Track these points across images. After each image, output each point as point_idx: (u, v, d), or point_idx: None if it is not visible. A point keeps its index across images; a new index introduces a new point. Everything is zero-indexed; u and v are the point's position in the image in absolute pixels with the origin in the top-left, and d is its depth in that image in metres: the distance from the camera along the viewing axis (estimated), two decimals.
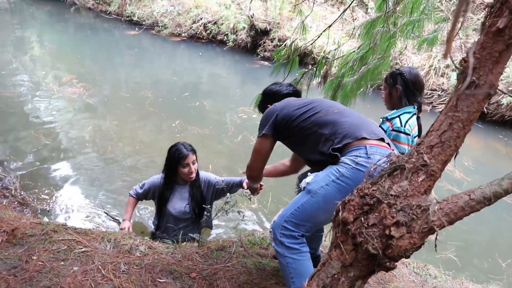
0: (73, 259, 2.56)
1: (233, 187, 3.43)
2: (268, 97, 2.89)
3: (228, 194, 3.27)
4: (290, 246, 2.16)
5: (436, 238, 0.78)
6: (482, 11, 9.91)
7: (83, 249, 2.68)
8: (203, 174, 3.52)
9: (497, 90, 0.79)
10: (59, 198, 4.47)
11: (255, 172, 2.71)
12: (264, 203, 4.88)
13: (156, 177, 3.50)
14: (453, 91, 0.84)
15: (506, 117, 8.10)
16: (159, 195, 3.43)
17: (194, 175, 3.32)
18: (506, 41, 0.76)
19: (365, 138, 2.14)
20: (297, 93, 2.91)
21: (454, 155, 0.83)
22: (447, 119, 0.81)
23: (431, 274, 3.47)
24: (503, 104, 8.05)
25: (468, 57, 0.74)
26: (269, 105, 2.71)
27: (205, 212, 3.25)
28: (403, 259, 3.52)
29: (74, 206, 4.38)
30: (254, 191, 3.05)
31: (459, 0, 0.63)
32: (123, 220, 3.45)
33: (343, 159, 2.11)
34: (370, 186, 0.81)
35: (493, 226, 5.10)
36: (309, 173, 2.27)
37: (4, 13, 14.79)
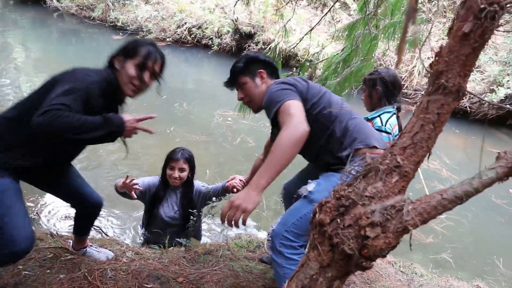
0: (60, 267, 2.55)
1: (219, 193, 3.36)
2: (250, 61, 2.46)
3: (214, 198, 3.22)
4: (289, 257, 2.06)
5: (410, 238, 0.80)
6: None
7: (69, 257, 2.67)
8: (196, 184, 3.46)
9: (466, 92, 0.82)
10: (45, 205, 4.43)
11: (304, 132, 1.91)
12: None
13: (153, 178, 3.45)
14: (423, 94, 0.87)
15: (488, 115, 8.23)
16: (153, 194, 3.37)
17: (177, 182, 3.26)
18: (471, 44, 0.80)
19: (375, 147, 2.07)
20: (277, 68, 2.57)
21: (427, 155, 0.85)
22: (418, 121, 0.84)
23: (417, 273, 3.51)
24: (485, 102, 8.18)
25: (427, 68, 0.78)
26: (261, 70, 2.42)
27: (192, 217, 3.21)
28: (390, 259, 3.56)
29: (60, 214, 4.34)
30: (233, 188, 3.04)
31: (407, 14, 0.66)
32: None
33: (348, 167, 2.03)
34: (346, 187, 0.84)
35: (493, 230, 5.18)
36: (309, 180, 2.18)
37: None
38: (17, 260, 2.06)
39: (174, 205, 3.37)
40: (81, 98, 1.86)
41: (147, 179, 3.44)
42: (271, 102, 2.12)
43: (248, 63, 2.45)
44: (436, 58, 0.85)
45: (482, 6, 0.77)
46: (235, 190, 3.19)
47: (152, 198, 3.38)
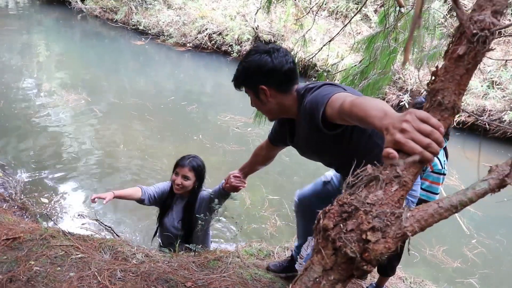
0: (70, 265, 2.59)
1: (218, 195, 3.09)
2: (259, 75, 1.95)
3: (216, 200, 3.06)
4: None
5: (408, 243, 0.86)
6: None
7: (80, 255, 2.71)
8: (203, 193, 3.27)
9: (460, 109, 0.93)
10: (59, 203, 4.51)
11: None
12: (267, 215, 4.90)
13: (166, 183, 3.34)
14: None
15: (508, 133, 8.13)
16: (163, 201, 3.29)
17: (180, 188, 3.10)
18: (465, 66, 0.91)
19: None
20: (295, 68, 1.98)
21: (425, 167, 0.90)
22: None
23: None
24: (505, 121, 8.09)
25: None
26: (263, 86, 1.95)
27: (200, 222, 3.08)
28: (401, 274, 3.54)
29: (73, 212, 4.41)
30: (235, 188, 2.84)
31: (413, 19, 0.74)
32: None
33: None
34: (349, 196, 0.90)
35: None
36: None
37: (12, 18, 14.93)
38: None
39: (178, 213, 3.27)
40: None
41: (163, 184, 3.35)
42: (316, 103, 1.70)
43: (248, 76, 2.01)
44: (433, 77, 0.95)
45: (475, 31, 0.88)
46: (240, 188, 2.91)
47: (161, 205, 3.31)
